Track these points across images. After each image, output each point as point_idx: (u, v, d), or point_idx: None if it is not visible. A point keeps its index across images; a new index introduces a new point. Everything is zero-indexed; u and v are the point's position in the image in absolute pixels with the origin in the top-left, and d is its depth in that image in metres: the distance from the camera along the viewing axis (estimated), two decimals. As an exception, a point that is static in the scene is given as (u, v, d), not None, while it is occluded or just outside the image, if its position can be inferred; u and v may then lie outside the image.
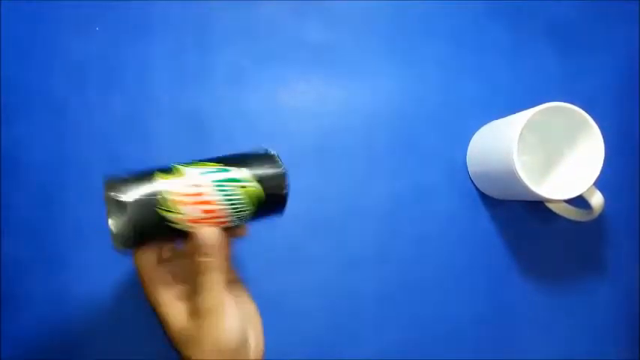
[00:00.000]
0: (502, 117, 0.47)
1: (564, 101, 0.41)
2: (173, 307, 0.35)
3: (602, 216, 0.46)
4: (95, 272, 0.46)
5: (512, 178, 0.41)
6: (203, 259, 0.34)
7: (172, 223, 0.32)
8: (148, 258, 0.35)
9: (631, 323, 0.50)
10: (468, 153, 0.50)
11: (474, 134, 0.50)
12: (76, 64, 0.48)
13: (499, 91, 0.51)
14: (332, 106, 0.50)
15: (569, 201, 0.46)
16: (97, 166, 0.46)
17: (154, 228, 0.32)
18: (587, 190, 0.41)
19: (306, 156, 0.48)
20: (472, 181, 0.50)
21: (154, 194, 0.32)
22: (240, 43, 0.49)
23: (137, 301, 0.47)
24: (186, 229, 0.33)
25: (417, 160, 0.49)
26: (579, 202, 0.44)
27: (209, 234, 0.34)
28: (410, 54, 0.51)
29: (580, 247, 0.50)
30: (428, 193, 0.49)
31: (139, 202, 0.31)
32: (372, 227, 0.48)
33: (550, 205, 0.48)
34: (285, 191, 0.35)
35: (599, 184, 0.42)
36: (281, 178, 0.35)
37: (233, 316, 0.34)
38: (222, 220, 0.34)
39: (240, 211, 0.34)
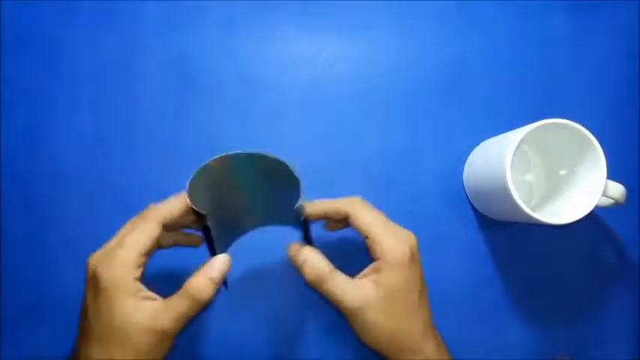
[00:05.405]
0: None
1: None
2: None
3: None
4: (78, 217, 0.46)
5: (508, 200, 0.38)
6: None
7: None
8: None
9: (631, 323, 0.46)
10: (464, 173, 0.47)
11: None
12: (67, 2, 0.48)
13: (505, 47, 0.48)
14: (326, 56, 0.48)
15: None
16: (85, 104, 0.47)
17: None
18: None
19: (295, 106, 0.47)
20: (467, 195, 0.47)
21: None
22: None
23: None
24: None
25: (410, 119, 0.47)
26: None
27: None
28: (410, 5, 0.49)
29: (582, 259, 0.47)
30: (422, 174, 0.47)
31: None
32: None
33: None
34: None
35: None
36: None
37: None
38: None
39: None
